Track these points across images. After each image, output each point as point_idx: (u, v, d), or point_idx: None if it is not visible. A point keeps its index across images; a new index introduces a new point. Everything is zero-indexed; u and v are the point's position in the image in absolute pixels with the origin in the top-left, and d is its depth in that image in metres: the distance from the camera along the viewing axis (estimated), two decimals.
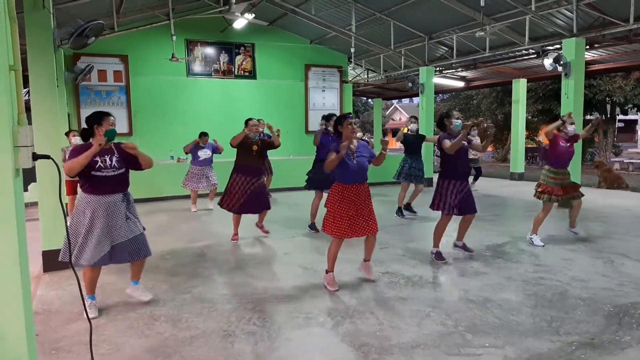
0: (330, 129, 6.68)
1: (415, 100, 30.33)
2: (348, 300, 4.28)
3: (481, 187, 12.02)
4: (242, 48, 13.24)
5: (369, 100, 29.94)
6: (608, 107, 19.26)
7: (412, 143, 8.30)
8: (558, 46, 9.78)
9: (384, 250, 6.01)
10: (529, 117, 20.29)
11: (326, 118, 7.05)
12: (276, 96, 13.60)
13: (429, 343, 3.39)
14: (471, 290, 4.51)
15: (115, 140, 3.95)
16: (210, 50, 12.90)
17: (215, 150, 9.21)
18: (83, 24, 6.51)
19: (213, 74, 12.97)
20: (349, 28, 11.93)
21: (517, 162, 14.58)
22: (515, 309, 4.01)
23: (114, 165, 3.89)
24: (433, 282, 4.80)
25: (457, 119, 5.39)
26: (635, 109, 19.04)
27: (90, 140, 3.91)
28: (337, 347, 3.37)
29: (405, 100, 42.22)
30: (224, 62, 13.08)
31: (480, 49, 11.20)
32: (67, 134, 8.44)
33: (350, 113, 4.92)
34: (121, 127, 11.72)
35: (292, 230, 7.34)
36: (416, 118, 8.59)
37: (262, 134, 6.82)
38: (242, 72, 13.29)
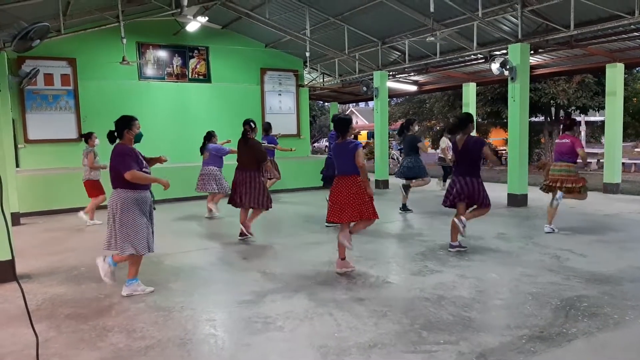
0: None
1: (371, 104, 30.76)
2: (306, 302, 4.29)
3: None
4: (195, 51, 13.05)
5: (326, 104, 30.12)
6: (552, 109, 20.10)
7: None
8: (504, 51, 10.17)
9: None
10: (479, 120, 20.95)
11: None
12: (232, 100, 13.47)
13: (385, 342, 3.45)
14: (426, 288, 4.62)
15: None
16: (162, 54, 12.65)
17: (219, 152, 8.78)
18: (27, 26, 6.23)
19: (166, 77, 12.71)
20: (304, 32, 11.98)
21: None
22: (468, 306, 4.14)
23: (146, 165, 4.51)
24: (389, 282, 4.88)
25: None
26: (578, 111, 19.93)
27: (119, 141, 4.49)
28: (296, 351, 3.37)
29: (362, 104, 42.70)
30: (177, 66, 12.85)
31: (431, 54, 11.48)
32: (89, 136, 7.99)
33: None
34: (69, 132, 11.33)
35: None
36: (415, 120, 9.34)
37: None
38: (196, 75, 13.10)
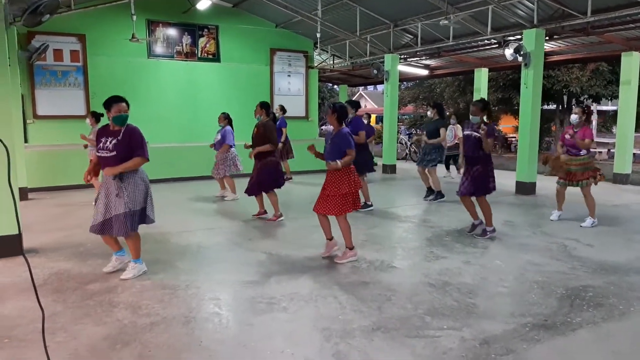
0: (351, 115, 7.30)
1: (380, 87, 30.54)
2: (311, 284, 4.30)
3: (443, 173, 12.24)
4: (205, 30, 12.94)
5: (335, 86, 29.91)
6: (565, 97, 19.83)
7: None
8: (519, 37, 10.00)
9: None
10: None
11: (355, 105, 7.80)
12: (240, 80, 13.38)
13: (389, 326, 3.45)
14: (431, 274, 4.62)
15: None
16: (172, 32, 12.55)
17: (224, 137, 8.54)
18: (37, 1, 6.21)
19: (175, 55, 12.63)
20: (315, 13, 11.82)
21: None
22: (472, 292, 4.13)
23: (109, 147, 4.32)
24: (394, 267, 4.88)
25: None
26: (590, 99, 19.66)
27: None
28: (299, 332, 3.39)
29: (371, 88, 42.38)
30: (186, 44, 12.75)
31: (444, 38, 11.31)
32: (98, 117, 7.88)
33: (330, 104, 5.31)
34: (78, 109, 11.33)
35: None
36: (432, 106, 8.92)
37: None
38: (205, 54, 13.01)
